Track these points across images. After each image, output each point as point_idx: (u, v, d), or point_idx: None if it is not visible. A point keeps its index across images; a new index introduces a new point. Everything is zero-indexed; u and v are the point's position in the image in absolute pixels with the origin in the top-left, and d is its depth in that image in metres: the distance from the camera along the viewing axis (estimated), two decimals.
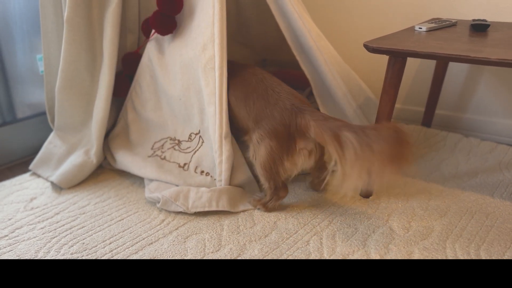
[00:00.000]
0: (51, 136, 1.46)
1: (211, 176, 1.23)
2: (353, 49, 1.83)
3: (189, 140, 1.29)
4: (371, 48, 1.13)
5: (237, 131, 1.26)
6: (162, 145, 1.35)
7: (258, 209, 1.20)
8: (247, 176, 1.25)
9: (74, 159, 1.36)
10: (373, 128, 0.96)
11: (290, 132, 1.09)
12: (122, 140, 1.43)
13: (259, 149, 1.13)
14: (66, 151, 1.42)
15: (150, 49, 1.37)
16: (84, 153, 1.38)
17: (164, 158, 1.32)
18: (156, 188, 1.25)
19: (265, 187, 1.18)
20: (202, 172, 1.25)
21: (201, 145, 1.27)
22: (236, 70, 1.28)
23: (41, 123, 1.59)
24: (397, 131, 0.94)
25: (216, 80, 1.20)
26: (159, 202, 1.19)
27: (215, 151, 1.20)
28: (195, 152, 1.27)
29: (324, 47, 1.35)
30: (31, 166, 1.44)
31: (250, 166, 1.25)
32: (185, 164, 1.28)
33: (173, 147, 1.32)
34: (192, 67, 1.25)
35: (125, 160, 1.36)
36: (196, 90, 1.25)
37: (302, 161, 1.12)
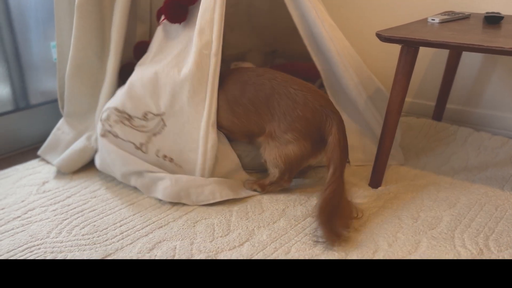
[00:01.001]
0: (60, 122, 1.48)
1: (175, 163, 1.21)
2: (365, 41, 1.82)
3: (144, 119, 1.23)
4: (383, 37, 1.13)
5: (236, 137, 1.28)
6: (108, 116, 1.26)
7: (255, 190, 1.22)
8: (235, 164, 1.27)
9: (76, 145, 1.37)
10: (334, 183, 1.07)
11: (321, 134, 1.14)
12: None
13: (289, 148, 1.15)
14: (73, 137, 1.44)
15: (157, 35, 1.35)
16: (86, 138, 1.39)
17: (117, 136, 1.24)
18: (142, 185, 1.23)
19: (274, 175, 1.19)
20: (164, 156, 1.22)
21: (163, 128, 1.22)
22: (244, 74, 1.26)
23: (53, 110, 1.61)
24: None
25: (211, 67, 1.18)
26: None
27: (200, 138, 1.19)
28: (155, 135, 1.22)
29: (337, 37, 1.35)
30: (39, 152, 1.46)
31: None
32: (141, 144, 1.23)
33: (121, 121, 1.25)
34: (186, 50, 1.23)
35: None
36: (179, 71, 1.21)
37: (322, 157, 1.17)
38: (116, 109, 1.24)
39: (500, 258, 0.96)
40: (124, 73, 1.40)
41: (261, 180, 1.23)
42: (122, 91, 1.28)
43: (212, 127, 1.19)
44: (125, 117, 1.24)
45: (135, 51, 1.45)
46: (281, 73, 1.24)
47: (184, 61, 1.22)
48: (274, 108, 1.17)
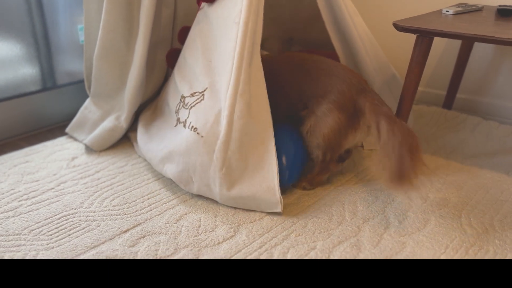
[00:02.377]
0: (87, 102, 1.55)
1: (198, 133, 1.17)
2: (381, 31, 1.88)
3: (191, 96, 1.26)
4: (400, 27, 1.19)
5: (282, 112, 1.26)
6: (179, 105, 1.31)
7: (304, 188, 1.22)
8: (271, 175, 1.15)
9: (106, 124, 1.45)
10: (401, 130, 1.05)
11: (356, 107, 1.16)
12: (154, 116, 1.48)
13: (325, 120, 1.16)
14: (100, 116, 1.51)
15: (197, 22, 1.38)
16: (115, 118, 1.46)
17: (179, 121, 1.28)
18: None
19: (317, 160, 1.22)
20: (192, 127, 1.20)
21: (200, 101, 1.22)
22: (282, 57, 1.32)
23: (79, 90, 1.69)
24: (414, 142, 1.04)
25: (239, 34, 1.15)
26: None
27: (225, 109, 1.14)
28: (192, 107, 1.23)
29: (359, 23, 1.40)
30: (67, 129, 1.54)
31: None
32: (185, 120, 1.25)
33: (182, 105, 1.29)
34: (224, 24, 1.23)
35: (144, 148, 1.36)
36: (222, 49, 1.22)
37: (360, 136, 1.20)
38: (182, 96, 1.30)
39: (504, 237, 1.03)
40: (171, 58, 1.46)
41: (307, 175, 1.24)
42: (180, 78, 1.34)
43: (240, 97, 1.14)
44: (183, 100, 1.28)
45: (179, 36, 1.49)
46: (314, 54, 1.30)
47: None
48: (314, 80, 1.21)
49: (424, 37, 1.18)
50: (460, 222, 1.08)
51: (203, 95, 1.23)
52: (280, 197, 1.09)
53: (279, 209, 1.09)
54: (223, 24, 1.23)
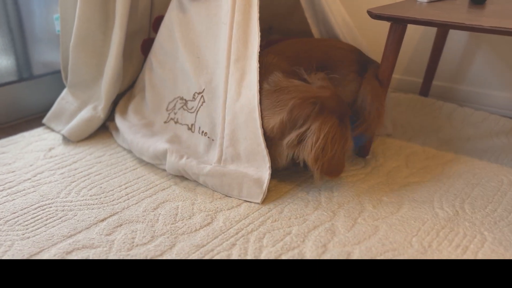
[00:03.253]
0: (64, 92, 1.54)
1: (208, 137, 1.25)
2: (358, 18, 1.89)
3: (193, 99, 1.31)
4: (374, 14, 1.20)
5: None
6: (174, 105, 1.37)
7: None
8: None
9: (83, 114, 1.44)
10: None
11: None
12: (136, 105, 1.48)
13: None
14: (77, 107, 1.50)
15: (171, 8, 1.39)
16: (92, 108, 1.46)
17: (177, 121, 1.34)
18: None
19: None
20: (203, 132, 1.27)
21: (202, 104, 1.28)
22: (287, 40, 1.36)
23: (56, 81, 1.67)
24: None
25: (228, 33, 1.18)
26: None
27: (228, 99, 1.18)
28: (197, 112, 1.29)
29: (337, 11, 1.42)
30: (44, 120, 1.53)
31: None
32: (192, 125, 1.32)
33: (182, 107, 1.35)
34: (213, 23, 1.26)
35: (128, 139, 1.36)
36: (211, 46, 1.26)
37: None
38: (180, 97, 1.34)
39: (473, 219, 1.06)
40: (145, 48, 1.46)
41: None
42: (178, 79, 1.36)
43: (245, 88, 1.17)
44: (183, 102, 1.33)
45: (154, 25, 1.49)
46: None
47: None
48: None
49: (398, 25, 1.20)
50: (433, 206, 1.11)
51: (202, 97, 1.27)
52: (265, 190, 1.11)
53: (258, 201, 1.11)
54: (208, 20, 1.25)
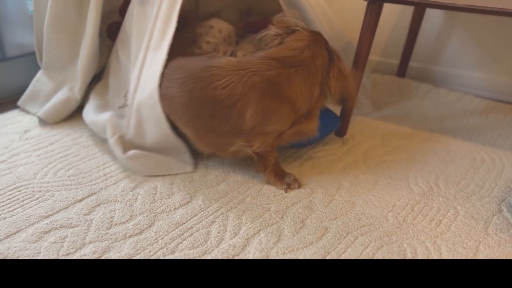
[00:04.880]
0: (39, 74, 1.51)
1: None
2: (332, 2, 1.90)
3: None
4: None
5: None
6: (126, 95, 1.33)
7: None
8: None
9: (59, 96, 1.42)
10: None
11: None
12: (100, 88, 1.47)
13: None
14: (53, 88, 1.47)
15: None
16: (68, 89, 1.43)
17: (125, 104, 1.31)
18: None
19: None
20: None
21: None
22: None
23: (30, 62, 1.63)
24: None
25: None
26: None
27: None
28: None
29: None
30: (19, 102, 1.50)
31: None
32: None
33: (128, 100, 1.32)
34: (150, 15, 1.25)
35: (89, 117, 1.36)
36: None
37: None
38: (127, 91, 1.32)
39: (447, 194, 1.09)
40: (112, 32, 1.44)
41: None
42: None
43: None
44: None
45: (120, 11, 1.47)
46: None
47: None
48: None
49: (374, 3, 1.20)
50: (408, 182, 1.13)
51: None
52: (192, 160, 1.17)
53: (191, 169, 1.16)
54: (150, 15, 1.23)
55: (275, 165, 1.11)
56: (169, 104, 1.10)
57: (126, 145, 1.19)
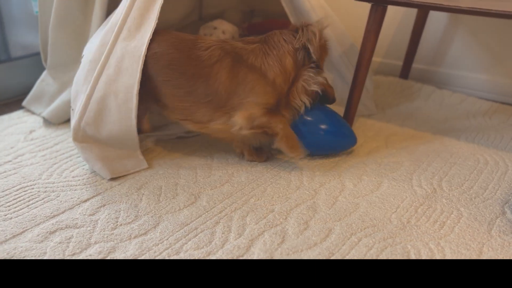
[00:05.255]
0: (44, 74, 1.52)
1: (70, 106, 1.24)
2: (337, 1, 1.90)
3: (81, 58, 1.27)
4: None
5: None
6: None
7: None
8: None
9: (64, 96, 1.43)
10: None
11: None
12: None
13: None
14: (58, 89, 1.48)
15: None
16: None
17: None
18: None
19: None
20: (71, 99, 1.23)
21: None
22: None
23: (35, 63, 1.64)
24: None
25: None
26: None
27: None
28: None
29: None
30: (24, 103, 1.51)
31: None
32: None
33: None
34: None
35: None
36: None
37: None
38: None
39: (451, 196, 1.09)
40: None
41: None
42: None
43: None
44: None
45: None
46: None
47: None
48: None
49: (378, 6, 1.21)
50: (411, 184, 1.14)
51: (81, 61, 1.22)
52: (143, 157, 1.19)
53: (146, 165, 1.18)
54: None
55: (284, 129, 1.14)
56: (155, 63, 1.14)
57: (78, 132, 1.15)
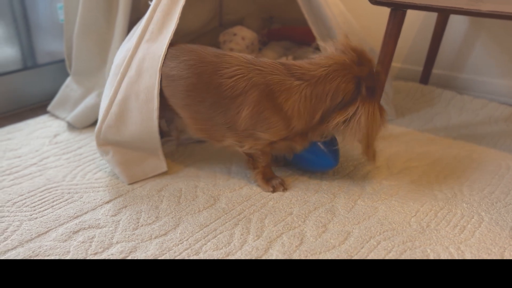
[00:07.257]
0: (68, 80, 1.57)
1: None
2: (357, 6, 1.90)
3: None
4: (374, 0, 1.21)
5: None
6: None
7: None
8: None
9: (88, 101, 1.47)
10: None
11: None
12: None
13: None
14: (82, 94, 1.52)
15: None
16: (96, 95, 1.48)
17: None
18: None
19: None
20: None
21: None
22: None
23: (60, 69, 1.69)
24: None
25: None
26: None
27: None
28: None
29: (333, 3, 1.43)
30: (49, 108, 1.55)
31: None
32: None
33: None
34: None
35: None
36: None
37: None
38: None
39: (471, 200, 1.08)
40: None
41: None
42: None
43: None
44: None
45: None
46: None
47: None
48: None
49: (398, 10, 1.21)
50: (431, 188, 1.13)
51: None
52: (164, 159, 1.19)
53: (165, 169, 1.18)
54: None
55: (265, 167, 1.13)
56: (172, 84, 1.08)
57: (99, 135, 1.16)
